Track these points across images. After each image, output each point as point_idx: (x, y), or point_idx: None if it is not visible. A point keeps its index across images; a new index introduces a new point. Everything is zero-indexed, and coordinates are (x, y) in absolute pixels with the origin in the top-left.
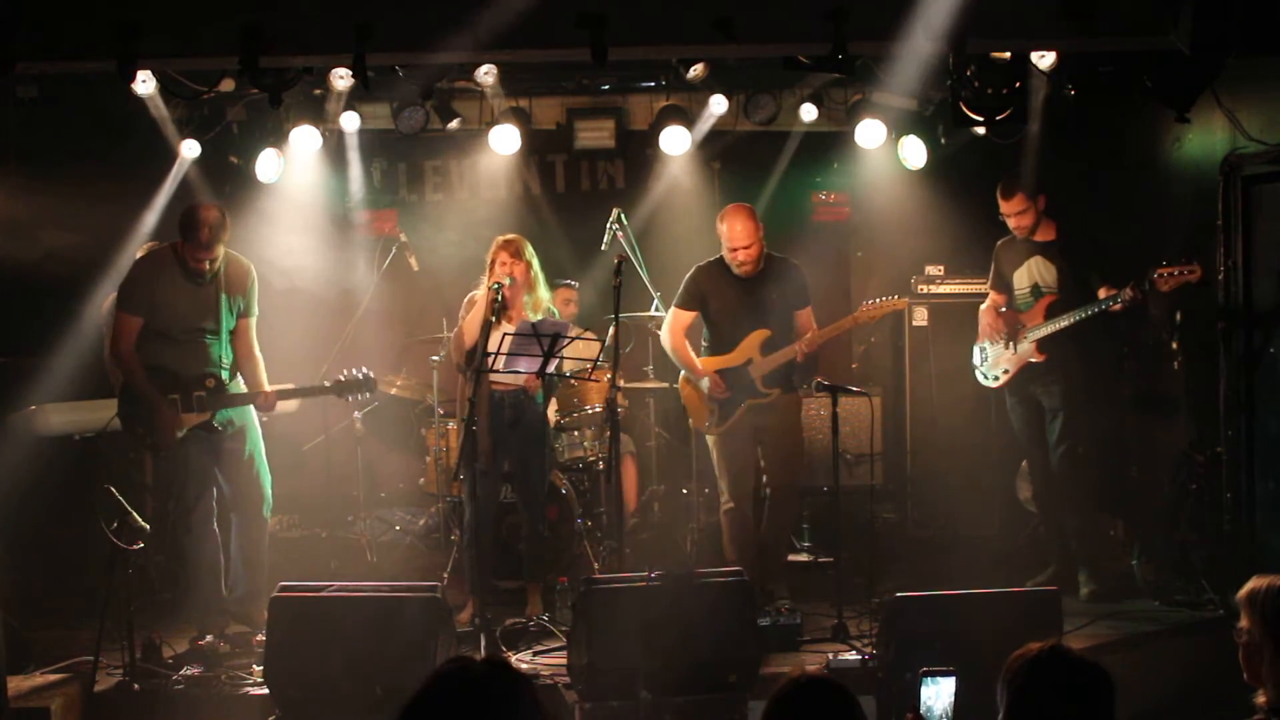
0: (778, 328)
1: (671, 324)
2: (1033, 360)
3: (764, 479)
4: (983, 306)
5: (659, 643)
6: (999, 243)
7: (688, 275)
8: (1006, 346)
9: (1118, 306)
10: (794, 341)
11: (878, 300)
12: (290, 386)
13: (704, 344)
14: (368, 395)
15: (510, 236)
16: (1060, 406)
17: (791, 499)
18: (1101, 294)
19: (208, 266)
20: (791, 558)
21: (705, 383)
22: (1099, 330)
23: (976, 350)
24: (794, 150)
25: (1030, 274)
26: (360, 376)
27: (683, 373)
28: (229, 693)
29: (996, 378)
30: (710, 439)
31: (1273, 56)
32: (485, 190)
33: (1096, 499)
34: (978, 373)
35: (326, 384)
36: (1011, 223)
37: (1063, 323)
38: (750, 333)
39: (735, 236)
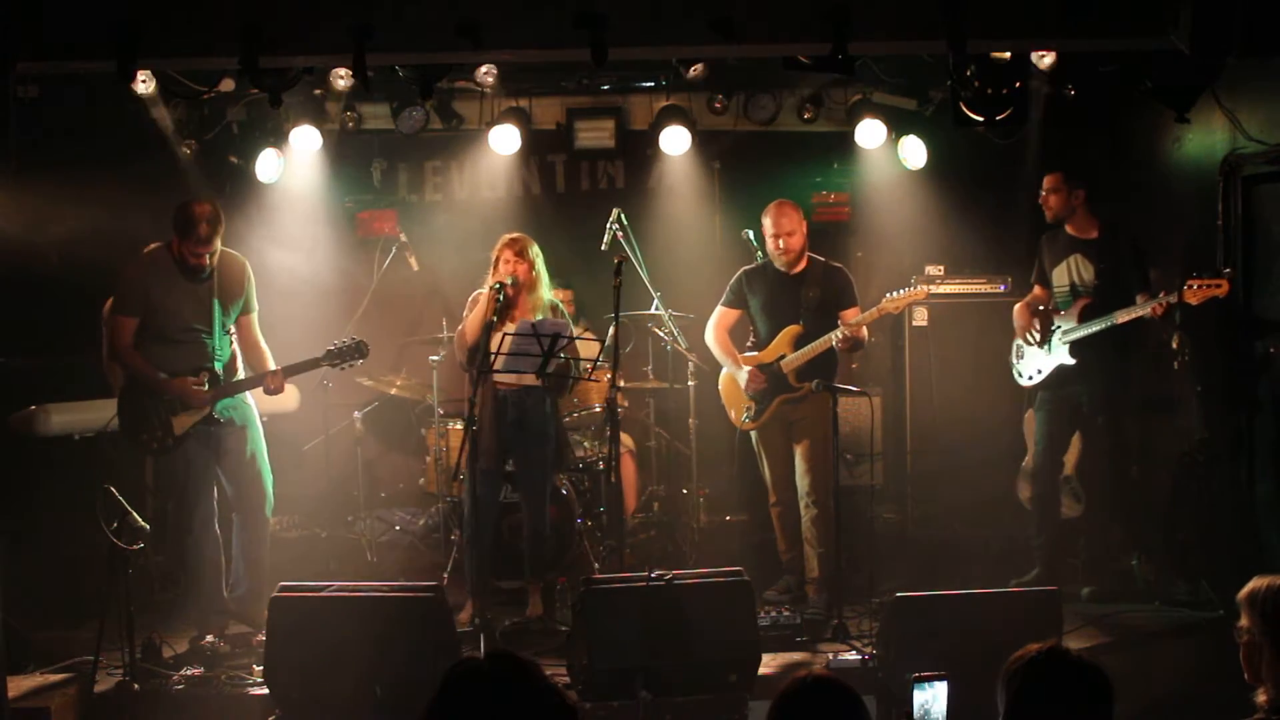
0: (813, 325)
1: (715, 321)
2: (1066, 362)
3: (796, 474)
4: (1018, 304)
5: (659, 643)
6: (1044, 235)
7: (734, 276)
8: (1041, 346)
9: (1154, 314)
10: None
11: (899, 292)
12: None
13: (749, 343)
14: (360, 361)
15: (515, 235)
16: (1102, 408)
17: (823, 495)
18: (1139, 299)
19: (207, 261)
20: None
21: (743, 377)
22: (1135, 333)
23: (1014, 347)
24: (794, 150)
25: (1069, 272)
26: (351, 343)
27: (723, 369)
28: (229, 693)
29: (1030, 377)
30: (755, 437)
31: (1273, 56)
32: (485, 190)
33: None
34: (1014, 370)
35: (319, 355)
36: (1041, 198)
37: (1095, 328)
38: (784, 328)
39: (778, 224)
